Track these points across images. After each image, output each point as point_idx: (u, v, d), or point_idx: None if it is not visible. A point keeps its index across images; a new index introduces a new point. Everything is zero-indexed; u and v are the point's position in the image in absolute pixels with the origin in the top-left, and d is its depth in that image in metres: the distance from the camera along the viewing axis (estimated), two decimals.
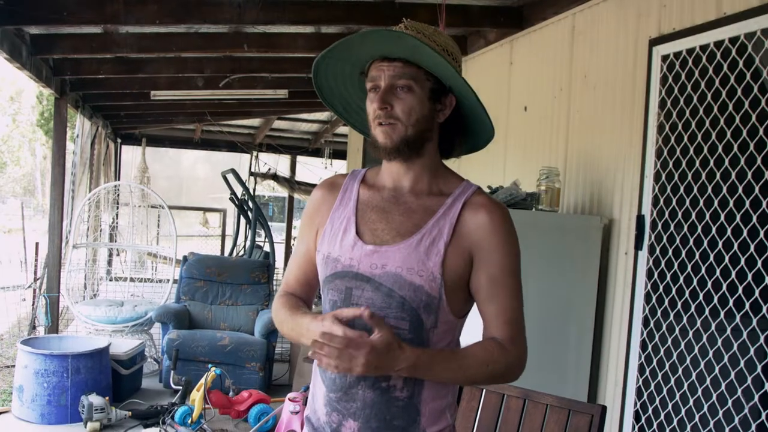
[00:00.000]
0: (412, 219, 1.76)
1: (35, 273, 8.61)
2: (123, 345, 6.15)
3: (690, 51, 3.34)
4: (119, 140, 11.74)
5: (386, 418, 1.74)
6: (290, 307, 1.85)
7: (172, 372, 5.82)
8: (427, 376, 1.70)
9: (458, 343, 1.82)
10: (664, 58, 3.49)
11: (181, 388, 5.54)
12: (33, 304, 7.88)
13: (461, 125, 1.82)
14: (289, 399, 5.03)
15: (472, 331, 1.82)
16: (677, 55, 3.42)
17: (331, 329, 1.61)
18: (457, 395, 1.88)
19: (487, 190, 4.13)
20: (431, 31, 1.77)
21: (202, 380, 5.19)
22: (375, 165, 1.92)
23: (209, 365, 5.66)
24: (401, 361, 1.63)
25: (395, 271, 1.70)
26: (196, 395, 5.14)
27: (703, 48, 3.25)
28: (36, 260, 8.88)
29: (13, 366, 5.89)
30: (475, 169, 5.25)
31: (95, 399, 5.14)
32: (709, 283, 3.16)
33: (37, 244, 9.17)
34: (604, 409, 2.58)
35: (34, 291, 8.06)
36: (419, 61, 1.71)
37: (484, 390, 2.85)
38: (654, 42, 3.56)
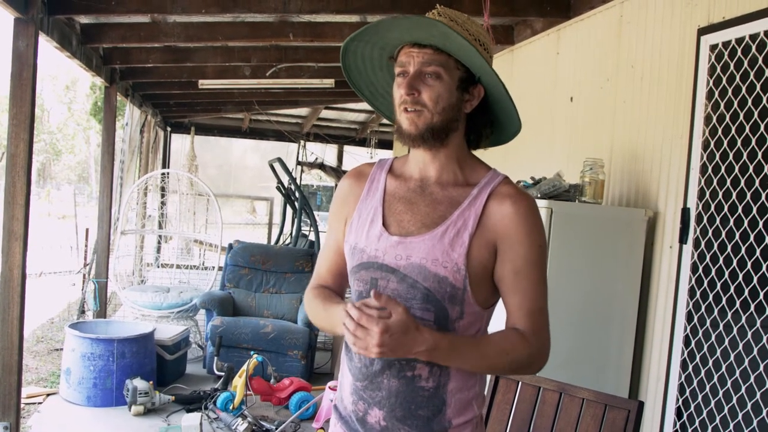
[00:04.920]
0: (438, 210, 1.74)
1: (85, 258, 8.80)
2: (168, 331, 6.25)
3: (739, 40, 3.25)
4: (169, 129, 11.90)
5: (411, 408, 1.73)
6: (323, 299, 1.84)
7: (215, 358, 5.89)
8: (447, 362, 1.67)
9: (486, 333, 1.80)
10: (713, 47, 3.41)
11: (223, 374, 5.61)
12: (82, 289, 8.05)
13: (488, 117, 1.80)
14: (329, 387, 5.06)
15: (500, 323, 1.79)
16: (726, 44, 3.33)
17: (349, 309, 1.59)
18: (485, 387, 1.86)
19: (530, 182, 4.08)
20: (464, 19, 1.74)
21: (245, 367, 5.25)
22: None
23: (252, 352, 5.72)
24: (419, 343, 1.58)
25: (420, 263, 1.69)
26: (238, 381, 5.20)
27: (753, 37, 3.16)
28: (86, 246, 9.07)
29: (62, 349, 6.02)
30: (521, 159, 5.20)
31: (140, 383, 5.24)
32: (755, 279, 3.08)
33: (87, 230, 9.38)
34: (641, 404, 2.54)
35: (84, 276, 8.23)
36: (450, 49, 1.69)
37: (520, 382, 2.83)
38: (702, 31, 3.47)
